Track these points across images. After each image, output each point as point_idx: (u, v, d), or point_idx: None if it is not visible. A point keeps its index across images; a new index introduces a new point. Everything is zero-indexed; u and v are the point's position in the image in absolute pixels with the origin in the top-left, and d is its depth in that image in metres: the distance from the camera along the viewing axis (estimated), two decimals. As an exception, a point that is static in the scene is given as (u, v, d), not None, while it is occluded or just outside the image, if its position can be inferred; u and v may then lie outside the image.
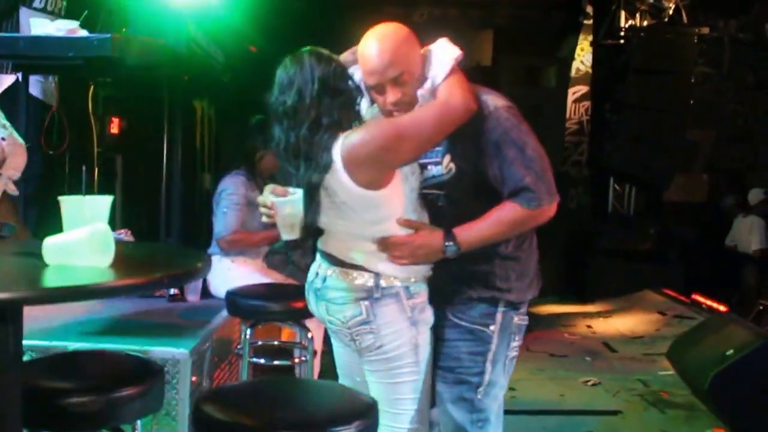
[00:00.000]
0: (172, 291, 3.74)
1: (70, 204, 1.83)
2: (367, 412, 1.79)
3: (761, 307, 6.60)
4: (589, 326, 6.22)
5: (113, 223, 5.06)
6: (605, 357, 5.33)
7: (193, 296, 3.82)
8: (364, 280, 2.14)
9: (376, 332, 2.13)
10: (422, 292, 2.19)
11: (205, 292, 3.90)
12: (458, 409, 2.24)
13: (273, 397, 1.88)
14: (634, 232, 7.80)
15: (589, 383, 4.64)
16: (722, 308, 5.79)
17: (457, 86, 2.06)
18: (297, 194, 2.14)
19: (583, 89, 9.21)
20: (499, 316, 2.21)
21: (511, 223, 2.12)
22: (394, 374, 2.18)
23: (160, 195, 4.03)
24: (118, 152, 5.47)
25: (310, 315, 3.27)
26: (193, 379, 2.96)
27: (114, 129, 5.29)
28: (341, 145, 2.04)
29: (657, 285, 7.04)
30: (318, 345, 3.66)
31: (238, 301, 3.21)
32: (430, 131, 2.05)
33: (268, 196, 2.22)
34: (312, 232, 2.23)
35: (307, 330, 3.31)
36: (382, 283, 2.13)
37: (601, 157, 8.42)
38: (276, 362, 3.43)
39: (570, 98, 9.08)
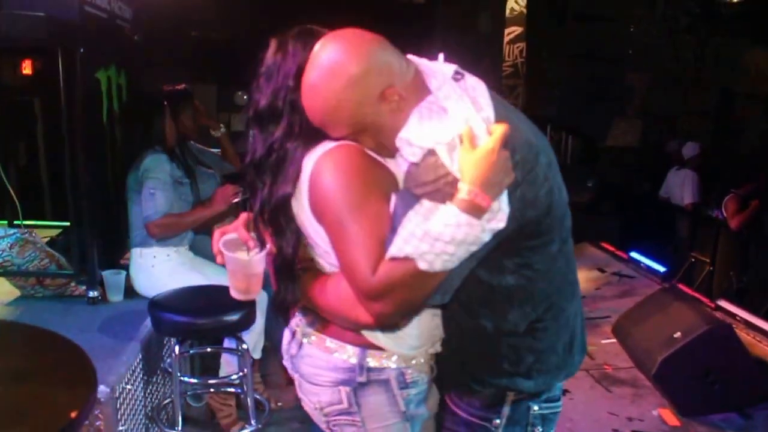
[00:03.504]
0: (92, 293, 3.25)
1: None
2: None
3: (693, 260, 6.50)
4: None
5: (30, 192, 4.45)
6: (549, 325, 5.09)
7: (116, 296, 3.33)
8: (347, 356, 1.60)
9: (361, 426, 1.63)
10: (421, 381, 1.64)
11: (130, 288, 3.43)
12: None
13: None
14: (573, 184, 7.55)
15: (536, 359, 4.40)
16: (660, 268, 5.63)
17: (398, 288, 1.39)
18: (259, 254, 1.61)
19: (517, 30, 8.73)
20: (506, 410, 1.63)
21: None
22: None
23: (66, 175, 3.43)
24: (35, 94, 4.81)
25: (244, 327, 2.92)
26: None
27: (27, 69, 4.62)
28: (314, 163, 1.50)
29: (594, 236, 6.83)
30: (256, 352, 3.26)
31: (162, 316, 2.75)
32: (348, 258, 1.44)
33: (219, 244, 1.66)
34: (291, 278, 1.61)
35: (242, 341, 2.92)
36: (370, 362, 1.59)
37: (538, 105, 8.10)
38: (212, 381, 3.04)
39: (504, 39, 8.66)
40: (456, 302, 1.54)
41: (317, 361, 1.64)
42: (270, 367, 3.56)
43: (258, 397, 3.15)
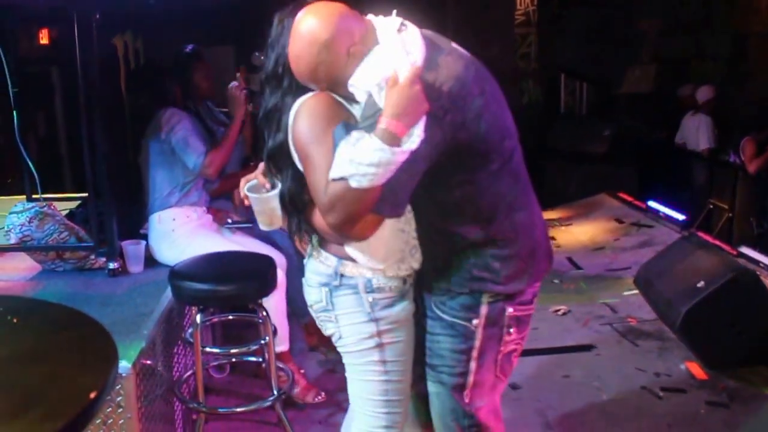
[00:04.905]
0: (112, 265, 3.16)
1: None
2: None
3: (711, 206, 6.32)
4: (552, 238, 5.79)
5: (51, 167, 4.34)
6: (572, 277, 4.90)
7: (136, 266, 3.23)
8: (329, 263, 1.91)
9: (335, 322, 1.94)
10: (388, 289, 1.89)
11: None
12: (447, 414, 1.96)
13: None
14: (588, 134, 7.30)
15: (560, 312, 4.28)
16: (679, 216, 5.46)
17: (351, 200, 1.66)
18: (273, 192, 1.90)
19: (528, -23, 8.40)
20: (483, 309, 1.85)
21: None
22: (359, 371, 1.96)
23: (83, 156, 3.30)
24: (53, 63, 4.68)
25: (267, 293, 2.82)
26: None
27: (44, 39, 4.51)
28: (294, 110, 1.83)
29: (611, 186, 6.63)
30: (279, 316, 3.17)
31: (183, 285, 2.65)
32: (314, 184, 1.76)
33: (245, 188, 1.97)
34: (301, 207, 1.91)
35: (263, 308, 2.81)
36: (344, 270, 1.89)
37: (552, 54, 7.83)
38: (234, 350, 2.94)
39: (516, -12, 8.31)
40: (422, 220, 1.85)
41: (312, 266, 1.95)
42: (291, 333, 3.47)
43: (280, 365, 3.06)
